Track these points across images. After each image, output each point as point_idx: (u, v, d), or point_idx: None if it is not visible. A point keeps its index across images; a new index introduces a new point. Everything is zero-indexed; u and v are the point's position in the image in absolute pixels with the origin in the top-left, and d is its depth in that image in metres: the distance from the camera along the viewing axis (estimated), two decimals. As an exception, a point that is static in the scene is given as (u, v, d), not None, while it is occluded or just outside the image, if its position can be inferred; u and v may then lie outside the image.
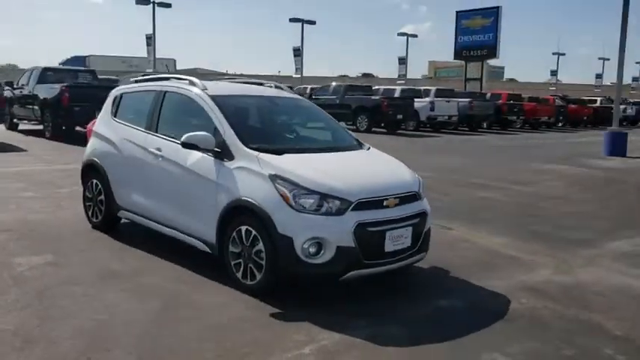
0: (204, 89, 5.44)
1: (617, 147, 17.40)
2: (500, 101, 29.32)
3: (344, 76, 77.37)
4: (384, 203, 4.63)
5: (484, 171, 12.72)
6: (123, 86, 6.63)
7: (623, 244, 6.76)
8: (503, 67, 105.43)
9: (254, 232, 4.58)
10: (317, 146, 5.47)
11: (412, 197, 4.89)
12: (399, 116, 23.62)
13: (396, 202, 4.70)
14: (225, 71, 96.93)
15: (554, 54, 62.41)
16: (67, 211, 7.34)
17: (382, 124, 23.78)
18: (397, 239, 4.63)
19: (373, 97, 23.86)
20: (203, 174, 5.00)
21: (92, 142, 6.56)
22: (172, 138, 5.44)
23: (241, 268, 4.71)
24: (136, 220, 5.98)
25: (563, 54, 63.35)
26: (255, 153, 4.78)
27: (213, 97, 5.31)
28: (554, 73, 62.72)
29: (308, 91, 31.00)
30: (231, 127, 5.01)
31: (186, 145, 5.01)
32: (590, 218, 8.21)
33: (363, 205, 4.49)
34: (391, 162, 5.39)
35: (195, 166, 5.10)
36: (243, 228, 4.66)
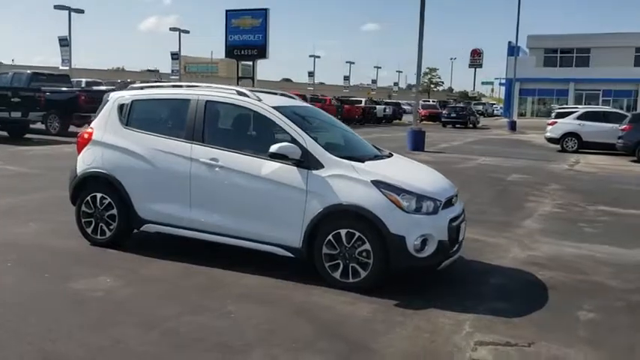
0: (259, 100, 5.58)
1: (419, 143, 20.36)
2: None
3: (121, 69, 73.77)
4: (452, 201, 5.48)
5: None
6: (128, 92, 6.19)
7: (531, 223, 8.58)
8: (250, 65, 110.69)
9: (357, 234, 5.03)
10: (370, 153, 5.97)
11: (456, 196, 5.81)
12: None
13: (455, 200, 5.58)
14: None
15: (310, 56, 67.86)
16: (30, 228, 6.61)
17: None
18: (462, 231, 5.52)
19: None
20: (287, 183, 5.22)
21: (95, 153, 6.03)
22: (233, 149, 5.48)
23: (340, 269, 5.11)
24: (167, 231, 5.82)
25: (319, 56, 69.09)
26: (348, 161, 5.21)
27: (277, 109, 5.51)
28: (311, 74, 67.96)
29: (83, 84, 29.96)
30: (311, 138, 5.32)
31: (276, 155, 5.17)
32: (481, 204, 10.01)
33: (446, 203, 5.29)
34: (423, 165, 6.23)
35: (274, 176, 5.27)
36: (343, 231, 5.07)
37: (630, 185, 13.60)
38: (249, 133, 5.77)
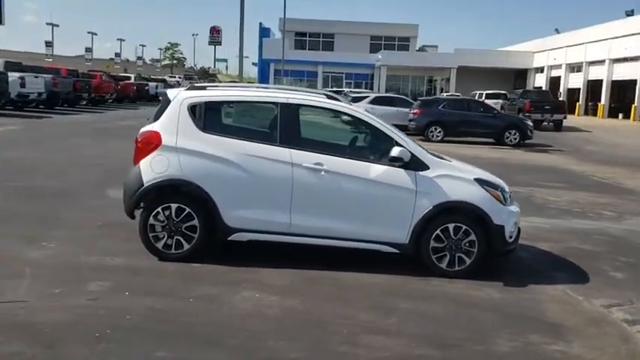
0: (350, 104, 5.74)
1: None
2: (74, 78, 28.54)
3: None
4: (503, 193, 6.43)
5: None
6: (197, 93, 5.59)
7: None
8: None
9: (464, 227, 5.66)
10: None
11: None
12: (-4, 94, 20.68)
13: (501, 191, 6.55)
14: None
15: (47, 24, 61.53)
16: (55, 250, 5.74)
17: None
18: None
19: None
20: (398, 184, 5.57)
21: (169, 160, 5.44)
22: (334, 153, 5.61)
23: (447, 259, 5.68)
24: (261, 238, 5.64)
25: (57, 25, 62.75)
26: (448, 162, 5.76)
27: (372, 114, 5.75)
28: (49, 44, 61.59)
29: None
30: (413, 142, 5.72)
31: (396, 159, 5.46)
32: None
33: None
34: None
35: (383, 178, 5.56)
36: (451, 225, 5.65)
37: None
38: (347, 136, 5.87)
